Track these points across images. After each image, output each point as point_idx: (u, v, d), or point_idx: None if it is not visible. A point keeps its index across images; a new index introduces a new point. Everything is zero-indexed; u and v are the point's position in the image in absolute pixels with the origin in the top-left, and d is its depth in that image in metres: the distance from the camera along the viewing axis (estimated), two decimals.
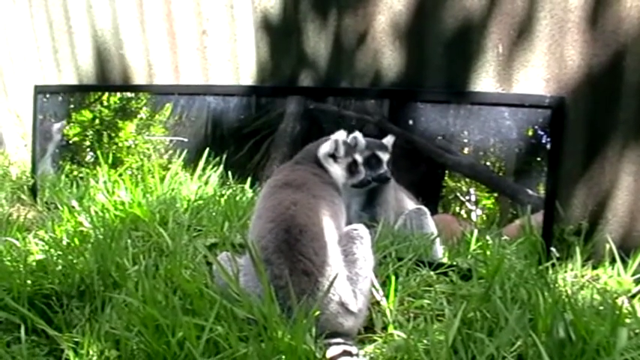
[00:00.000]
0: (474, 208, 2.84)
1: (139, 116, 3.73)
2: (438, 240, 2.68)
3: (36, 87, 3.96)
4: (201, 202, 3.10)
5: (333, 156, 2.51)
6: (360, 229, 2.19)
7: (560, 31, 2.50)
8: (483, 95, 2.70)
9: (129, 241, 2.62)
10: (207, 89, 3.50)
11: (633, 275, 2.40)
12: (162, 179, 3.26)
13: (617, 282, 2.38)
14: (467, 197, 2.85)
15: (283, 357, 1.81)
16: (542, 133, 2.61)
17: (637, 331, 1.96)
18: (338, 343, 1.98)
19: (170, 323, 1.91)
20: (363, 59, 2.98)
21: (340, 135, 2.57)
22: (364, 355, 2.02)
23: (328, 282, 2.01)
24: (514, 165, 2.76)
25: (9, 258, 2.59)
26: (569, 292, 2.10)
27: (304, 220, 2.13)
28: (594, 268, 2.51)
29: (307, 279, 2.02)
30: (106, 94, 3.86)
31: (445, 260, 2.59)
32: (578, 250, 2.48)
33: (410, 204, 2.85)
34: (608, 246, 2.51)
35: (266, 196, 2.34)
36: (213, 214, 2.98)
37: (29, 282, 2.33)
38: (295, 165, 2.50)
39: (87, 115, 3.86)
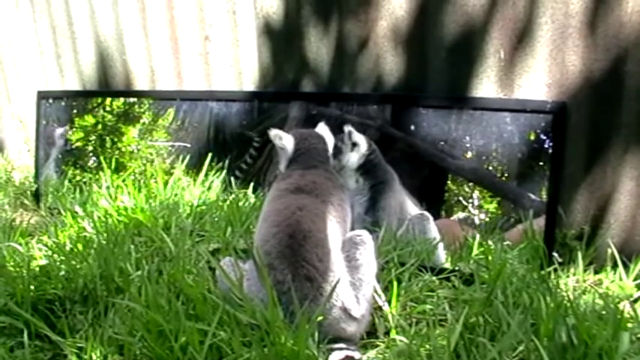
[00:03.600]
0: (476, 212, 2.84)
1: (141, 121, 3.74)
2: (440, 245, 2.68)
3: (39, 92, 3.97)
4: (204, 207, 3.10)
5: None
6: (364, 235, 2.19)
7: (562, 37, 2.51)
8: (485, 101, 2.71)
9: (132, 246, 2.62)
10: (209, 95, 3.51)
11: (635, 280, 2.40)
12: (165, 184, 3.27)
13: (619, 287, 2.38)
14: (469, 202, 2.85)
15: None
16: (543, 138, 2.62)
17: (639, 335, 1.96)
18: (340, 348, 1.98)
19: (173, 328, 1.92)
20: (365, 64, 2.99)
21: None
22: None
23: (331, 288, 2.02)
24: (516, 170, 2.76)
25: (12, 263, 2.60)
26: (572, 296, 2.10)
27: (309, 226, 2.12)
28: (596, 272, 2.51)
29: (310, 285, 2.02)
30: (109, 99, 3.87)
31: (447, 265, 2.59)
32: (580, 254, 2.49)
33: (413, 209, 2.85)
34: (610, 250, 2.51)
35: (274, 199, 2.32)
36: (216, 219, 2.98)
37: (32, 287, 2.34)
38: (307, 170, 2.44)
39: (90, 120, 3.87)
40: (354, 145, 2.90)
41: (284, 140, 2.50)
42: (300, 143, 2.50)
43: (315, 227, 2.13)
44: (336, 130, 2.92)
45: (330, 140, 2.58)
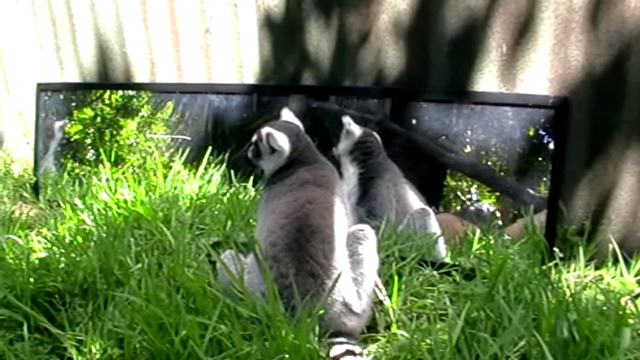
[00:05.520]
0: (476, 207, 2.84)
1: (140, 114, 3.73)
2: (441, 239, 2.68)
3: (38, 85, 3.96)
4: (203, 200, 3.09)
5: None
6: (367, 230, 2.19)
7: (564, 31, 2.50)
8: (487, 95, 2.70)
9: (132, 239, 2.62)
10: (209, 88, 3.50)
11: (636, 276, 2.40)
12: (164, 177, 3.26)
13: (620, 282, 2.38)
14: (469, 196, 2.85)
15: (287, 356, 1.81)
16: (545, 133, 2.61)
17: None
18: (341, 343, 1.98)
19: (173, 322, 1.91)
20: (366, 58, 2.98)
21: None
22: (367, 355, 2.02)
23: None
24: (517, 165, 2.76)
25: (12, 256, 2.59)
26: (573, 292, 2.09)
27: (317, 221, 2.11)
28: (597, 268, 2.51)
29: (313, 281, 2.02)
30: (108, 91, 3.86)
31: (448, 260, 2.59)
32: (581, 250, 2.48)
33: (416, 203, 2.85)
34: (611, 246, 2.51)
35: (281, 194, 2.29)
36: (216, 212, 2.98)
37: (32, 280, 2.33)
38: (311, 165, 2.40)
39: (89, 112, 3.87)
40: (348, 133, 2.95)
41: (280, 141, 2.39)
42: (297, 142, 2.43)
43: (324, 222, 2.12)
44: (335, 122, 2.95)
45: (300, 126, 2.53)
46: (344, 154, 2.98)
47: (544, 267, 2.33)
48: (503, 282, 2.14)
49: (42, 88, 3.94)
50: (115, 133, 3.79)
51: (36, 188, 3.84)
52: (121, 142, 3.77)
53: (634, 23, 2.37)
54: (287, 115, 2.56)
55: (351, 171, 2.95)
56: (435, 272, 2.43)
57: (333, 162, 2.63)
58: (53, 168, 3.95)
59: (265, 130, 2.39)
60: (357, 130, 2.96)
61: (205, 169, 3.32)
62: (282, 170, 2.42)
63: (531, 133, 2.66)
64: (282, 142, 2.39)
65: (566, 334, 1.79)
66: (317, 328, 1.95)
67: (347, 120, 2.95)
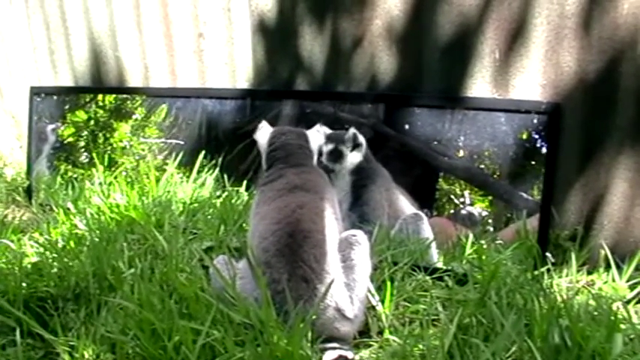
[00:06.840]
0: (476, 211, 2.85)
1: (134, 117, 3.72)
2: (433, 244, 2.68)
3: (32, 88, 3.95)
4: (196, 204, 3.09)
5: None
6: (359, 235, 2.19)
7: (557, 38, 2.51)
8: (479, 101, 2.71)
9: (124, 244, 2.61)
10: (202, 92, 3.49)
11: (628, 281, 2.41)
12: (157, 181, 3.25)
13: (612, 288, 2.39)
14: (462, 200, 2.86)
15: None
16: (538, 138, 2.62)
17: (632, 337, 1.97)
18: (334, 348, 1.98)
19: (166, 327, 1.91)
20: (359, 63, 2.99)
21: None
22: None
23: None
24: (510, 170, 2.77)
25: (4, 260, 2.58)
26: (565, 297, 2.10)
27: (309, 226, 2.12)
28: (589, 273, 2.51)
29: (305, 286, 2.02)
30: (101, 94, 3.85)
31: (440, 265, 2.59)
32: (573, 255, 2.49)
33: (408, 208, 2.84)
34: (603, 252, 2.52)
35: (271, 199, 2.29)
36: (209, 217, 2.98)
37: (24, 284, 2.32)
38: (297, 168, 2.41)
39: (81, 115, 3.86)
40: (357, 146, 2.91)
41: (258, 134, 2.55)
42: (276, 138, 2.48)
43: (315, 227, 2.13)
44: (329, 127, 2.94)
45: (315, 140, 2.56)
46: (349, 168, 2.95)
47: (536, 272, 2.34)
48: (496, 287, 2.14)
49: (35, 92, 3.93)
50: (108, 135, 3.78)
51: (29, 192, 3.84)
52: (114, 145, 3.76)
53: (626, 30, 2.38)
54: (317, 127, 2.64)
55: (345, 178, 2.94)
56: (427, 277, 2.44)
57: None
58: (46, 171, 3.93)
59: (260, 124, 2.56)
60: (364, 142, 2.93)
61: (198, 173, 3.31)
62: (268, 169, 2.46)
63: (524, 138, 2.66)
64: (262, 135, 2.53)
65: (558, 340, 1.79)
66: (310, 334, 1.95)
67: (354, 132, 2.91)
